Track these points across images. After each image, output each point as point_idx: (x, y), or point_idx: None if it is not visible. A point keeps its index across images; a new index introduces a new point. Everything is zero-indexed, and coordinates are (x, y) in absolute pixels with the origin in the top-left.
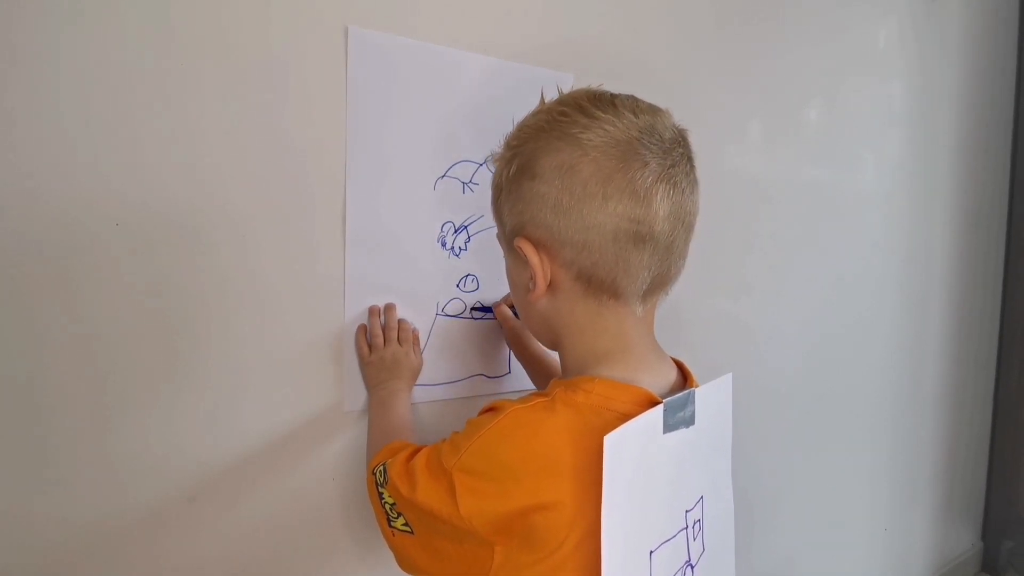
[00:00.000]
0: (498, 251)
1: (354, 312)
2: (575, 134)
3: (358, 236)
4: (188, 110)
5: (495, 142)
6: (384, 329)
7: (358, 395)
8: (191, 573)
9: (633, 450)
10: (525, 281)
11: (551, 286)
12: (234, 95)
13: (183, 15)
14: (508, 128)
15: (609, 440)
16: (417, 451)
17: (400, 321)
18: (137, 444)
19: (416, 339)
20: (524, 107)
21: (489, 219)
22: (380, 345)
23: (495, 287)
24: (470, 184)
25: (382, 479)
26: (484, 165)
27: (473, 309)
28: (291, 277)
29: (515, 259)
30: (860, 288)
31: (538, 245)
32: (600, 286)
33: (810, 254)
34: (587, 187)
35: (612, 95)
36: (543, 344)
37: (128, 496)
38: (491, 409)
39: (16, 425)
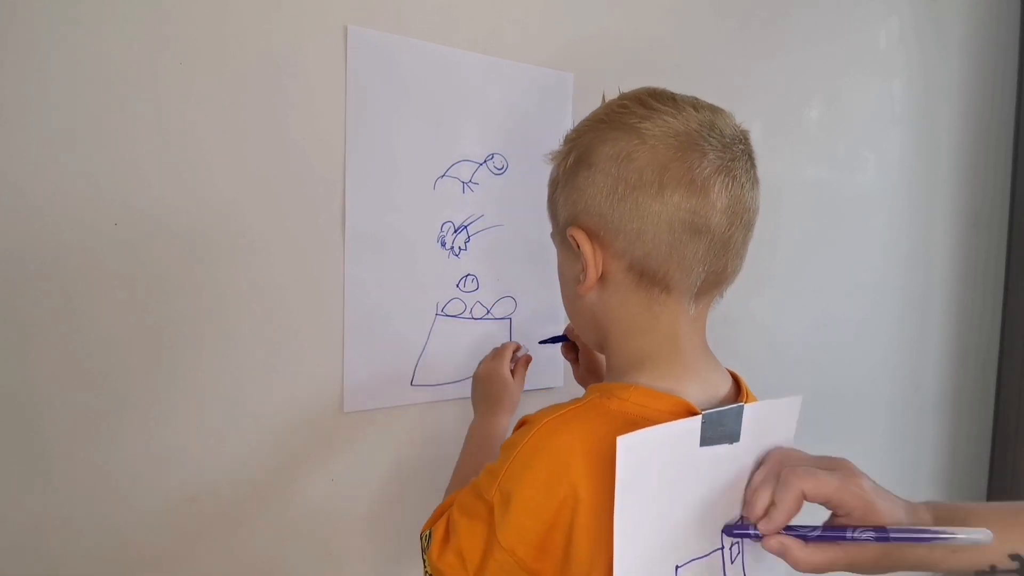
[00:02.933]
0: (497, 250)
1: (354, 312)
2: (633, 124)
3: (358, 236)
4: (186, 109)
5: (495, 142)
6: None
7: (358, 396)
8: (190, 573)
9: (659, 458)
10: (576, 273)
11: (602, 278)
12: (233, 94)
13: (182, 14)
14: (509, 127)
15: (623, 442)
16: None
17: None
18: (137, 445)
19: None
20: (524, 107)
21: (489, 219)
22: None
23: (495, 287)
24: (470, 184)
25: (425, 543)
26: (484, 165)
27: (541, 342)
28: (290, 277)
29: (566, 252)
30: (861, 288)
31: (591, 234)
32: (652, 278)
33: (811, 254)
34: (643, 175)
35: (674, 93)
36: (590, 344)
37: (128, 497)
38: (523, 424)
39: (14, 426)
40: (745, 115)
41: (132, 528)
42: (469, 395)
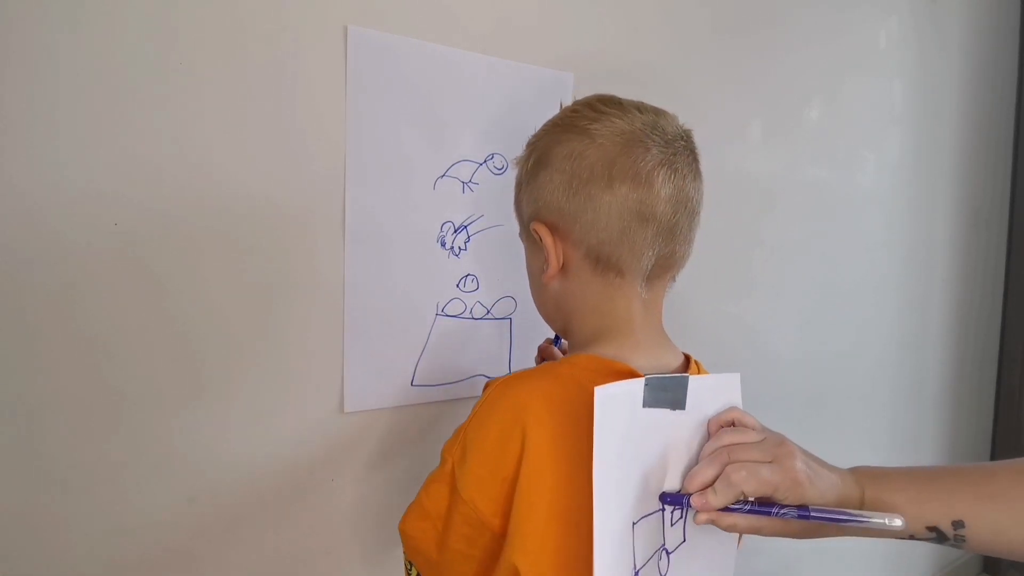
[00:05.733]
0: (497, 250)
1: (354, 312)
2: (584, 125)
3: (358, 236)
4: (187, 109)
5: (495, 142)
6: None
7: (358, 396)
8: (189, 574)
9: (620, 414)
10: (540, 264)
11: (563, 267)
12: (233, 94)
13: (183, 14)
14: (509, 127)
15: (600, 392)
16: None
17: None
18: (137, 445)
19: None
20: (524, 107)
21: (489, 219)
22: None
23: (495, 287)
24: (470, 184)
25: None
26: (484, 165)
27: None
28: (290, 277)
29: (531, 245)
30: (861, 288)
31: (551, 227)
32: (607, 263)
33: (811, 254)
34: (593, 170)
35: (620, 98)
36: (555, 329)
37: (127, 496)
38: (486, 387)
39: (16, 426)
40: (745, 115)
41: (131, 528)
42: (469, 395)
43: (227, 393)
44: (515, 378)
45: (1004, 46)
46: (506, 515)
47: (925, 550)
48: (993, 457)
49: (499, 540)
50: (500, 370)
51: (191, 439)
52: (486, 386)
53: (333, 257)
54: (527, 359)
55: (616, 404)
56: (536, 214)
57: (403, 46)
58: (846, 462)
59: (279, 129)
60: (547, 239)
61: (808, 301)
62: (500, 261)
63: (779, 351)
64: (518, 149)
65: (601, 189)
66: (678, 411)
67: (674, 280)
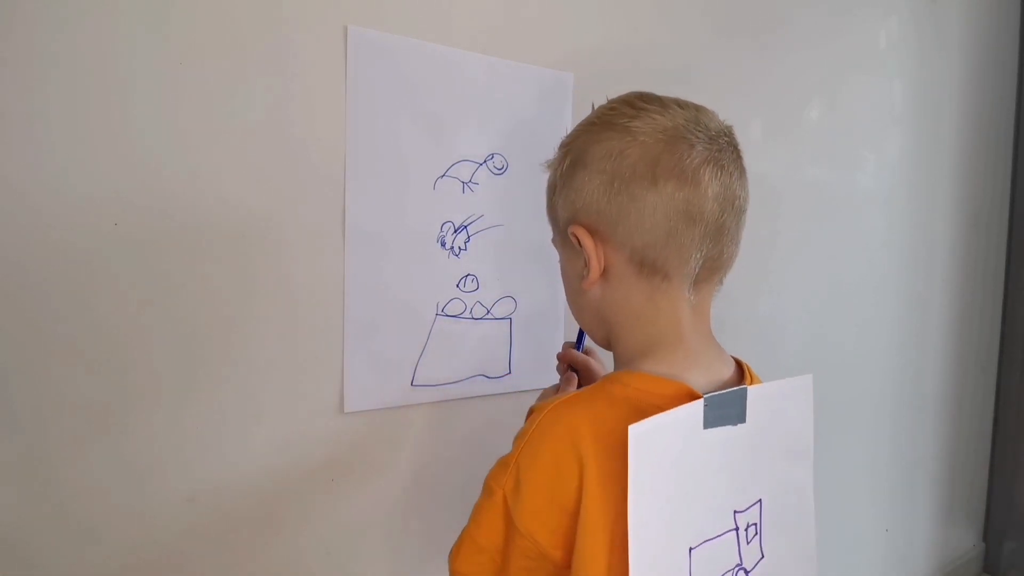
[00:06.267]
0: (497, 250)
1: (354, 312)
2: (623, 123)
3: (358, 236)
4: (187, 109)
5: (495, 142)
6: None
7: (359, 395)
8: (190, 574)
9: (667, 443)
10: (579, 270)
11: (604, 272)
12: (233, 94)
13: (182, 13)
14: (509, 127)
15: (634, 430)
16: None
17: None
18: (136, 444)
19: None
20: (524, 107)
21: (489, 219)
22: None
23: (495, 287)
24: (470, 184)
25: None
26: (484, 165)
27: (577, 347)
28: (290, 277)
29: (569, 250)
30: (861, 288)
31: (591, 230)
32: (652, 267)
33: (811, 254)
34: (636, 169)
35: (659, 95)
36: (596, 340)
37: (127, 496)
38: (531, 412)
39: (16, 424)
40: (745, 115)
41: (130, 528)
42: (469, 395)
43: (227, 393)
44: (566, 403)
45: (1004, 46)
46: (568, 547)
47: (926, 550)
48: (993, 457)
49: (562, 571)
50: (500, 370)
51: (190, 439)
52: (531, 411)
53: (333, 257)
54: (527, 359)
55: (658, 437)
56: (574, 217)
57: (403, 46)
58: (846, 461)
59: (279, 129)
60: (587, 243)
61: (808, 301)
62: (500, 261)
63: (778, 351)
64: (518, 149)
65: (645, 188)
66: (739, 424)
67: (721, 283)
